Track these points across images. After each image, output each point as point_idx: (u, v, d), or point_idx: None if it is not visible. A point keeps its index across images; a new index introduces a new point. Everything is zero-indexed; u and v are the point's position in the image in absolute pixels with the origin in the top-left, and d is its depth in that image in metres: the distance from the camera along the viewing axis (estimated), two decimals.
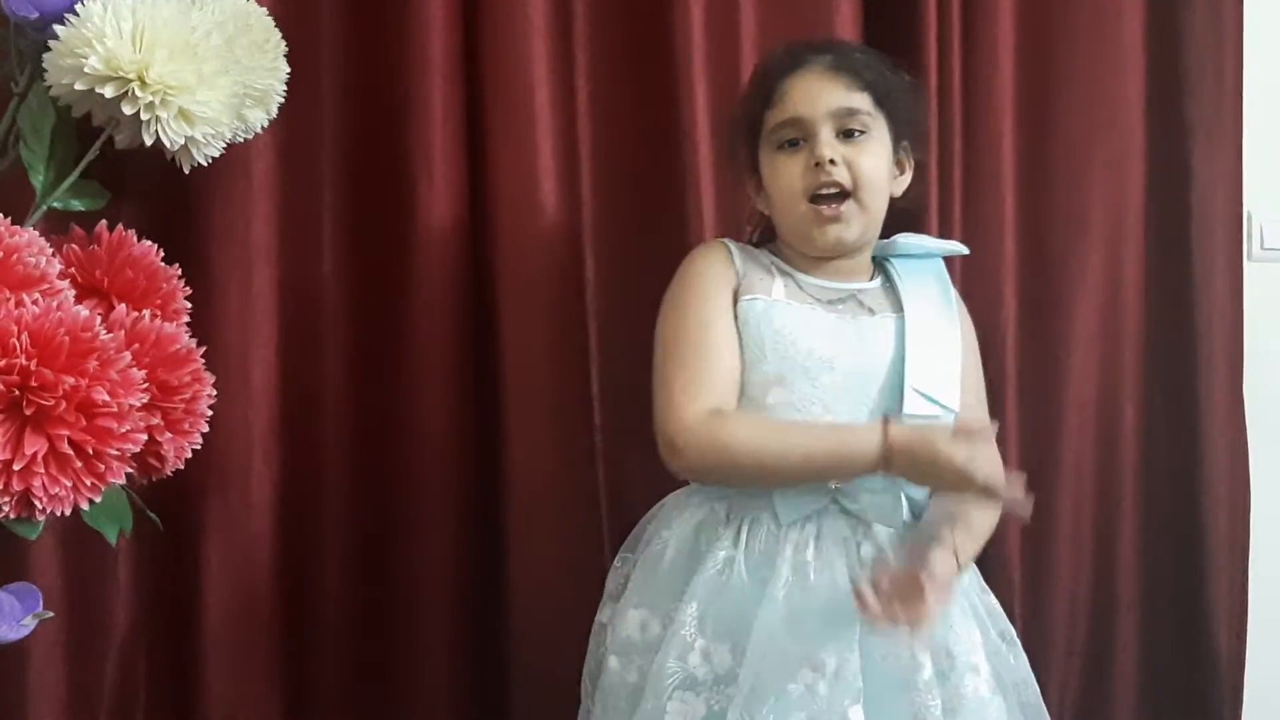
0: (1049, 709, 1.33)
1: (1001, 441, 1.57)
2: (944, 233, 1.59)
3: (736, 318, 1.28)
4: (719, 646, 1.20)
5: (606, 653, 1.29)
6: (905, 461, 1.18)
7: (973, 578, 1.34)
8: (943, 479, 1.19)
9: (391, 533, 1.46)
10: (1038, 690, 1.32)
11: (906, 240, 1.38)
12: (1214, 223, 1.69)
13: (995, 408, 1.45)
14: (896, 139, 1.33)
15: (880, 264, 1.38)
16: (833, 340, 1.28)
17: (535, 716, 1.47)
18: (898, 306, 1.33)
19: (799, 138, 1.30)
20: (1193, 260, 1.69)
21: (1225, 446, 1.71)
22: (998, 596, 1.37)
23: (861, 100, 1.30)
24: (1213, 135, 1.69)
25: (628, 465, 1.46)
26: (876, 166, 1.30)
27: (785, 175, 1.30)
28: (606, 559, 1.39)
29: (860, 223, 1.30)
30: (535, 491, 1.47)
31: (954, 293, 1.37)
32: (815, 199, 1.29)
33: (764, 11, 1.55)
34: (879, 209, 1.32)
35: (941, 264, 1.39)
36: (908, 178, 1.36)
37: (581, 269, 1.50)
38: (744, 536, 1.25)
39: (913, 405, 1.28)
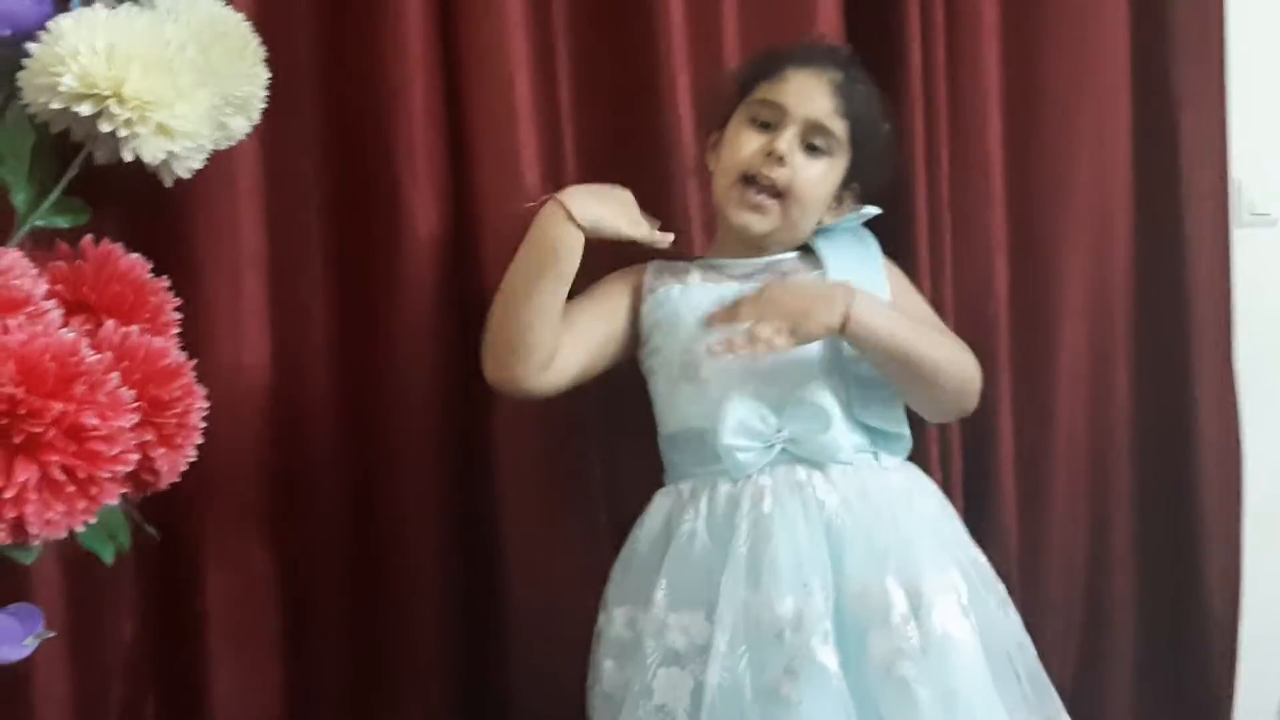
0: (1048, 674, 1.35)
1: (995, 415, 1.60)
2: (932, 208, 1.59)
3: (641, 313, 1.36)
4: (694, 616, 1.23)
5: (601, 657, 1.30)
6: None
7: (957, 532, 1.36)
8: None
9: (388, 535, 1.47)
10: (1035, 654, 1.34)
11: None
12: (1202, 190, 1.68)
13: (989, 381, 1.45)
14: (850, 177, 1.37)
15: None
16: None
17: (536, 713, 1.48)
18: (817, 265, 1.37)
19: (771, 122, 1.33)
20: (1182, 228, 1.69)
21: (1216, 412, 1.71)
22: (997, 562, 1.38)
23: (840, 127, 1.34)
24: (1199, 103, 1.67)
25: (622, 462, 1.47)
26: (817, 186, 1.35)
27: (739, 146, 1.35)
28: (604, 558, 1.40)
29: (777, 223, 1.35)
30: (530, 490, 1.47)
31: (874, 244, 1.42)
32: (747, 180, 1.32)
33: None
34: (802, 223, 1.37)
35: (860, 226, 1.42)
36: (841, 213, 1.40)
37: None
38: (703, 505, 1.28)
39: (851, 352, 1.32)
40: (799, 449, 1.28)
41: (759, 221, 1.34)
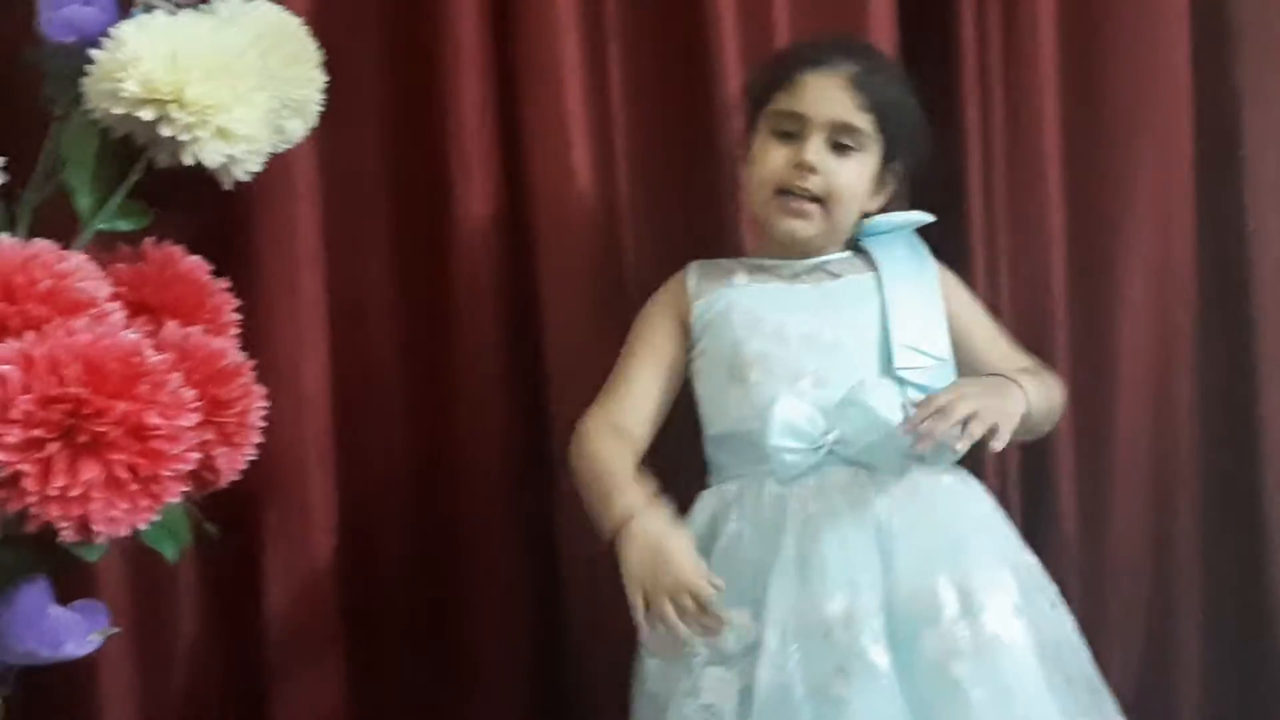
0: (1109, 680, 1.33)
1: None
2: (988, 204, 1.57)
3: (690, 323, 1.35)
4: (740, 615, 1.21)
5: (645, 656, 1.30)
6: (623, 547, 1.20)
7: (1008, 535, 1.34)
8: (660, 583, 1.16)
9: (450, 533, 1.48)
10: (1089, 656, 1.31)
11: (873, 221, 1.39)
12: (1266, 184, 1.65)
13: None
14: (887, 159, 1.35)
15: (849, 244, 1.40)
16: (803, 310, 1.32)
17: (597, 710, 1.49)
18: (869, 266, 1.36)
19: (793, 131, 1.32)
20: (1246, 222, 1.66)
21: None
22: (1056, 572, 1.36)
23: (864, 121, 1.32)
24: (1262, 96, 1.63)
25: (671, 455, 1.47)
26: (854, 184, 1.33)
27: (768, 160, 1.33)
28: None
29: (822, 226, 1.33)
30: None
31: (927, 253, 1.39)
32: (783, 192, 1.31)
33: None
34: (845, 220, 1.35)
35: (911, 233, 1.40)
36: (885, 195, 1.38)
37: (620, 259, 1.50)
38: (748, 506, 1.27)
39: (903, 359, 1.31)
40: (848, 451, 1.26)
41: (804, 227, 1.33)
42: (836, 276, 1.36)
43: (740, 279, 1.36)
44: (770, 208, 1.33)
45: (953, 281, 1.42)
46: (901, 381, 1.30)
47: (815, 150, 1.31)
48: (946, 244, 1.44)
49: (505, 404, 1.47)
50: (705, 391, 1.36)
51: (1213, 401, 1.68)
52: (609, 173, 1.49)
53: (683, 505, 1.37)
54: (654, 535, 1.18)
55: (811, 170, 1.30)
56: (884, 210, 1.39)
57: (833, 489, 1.26)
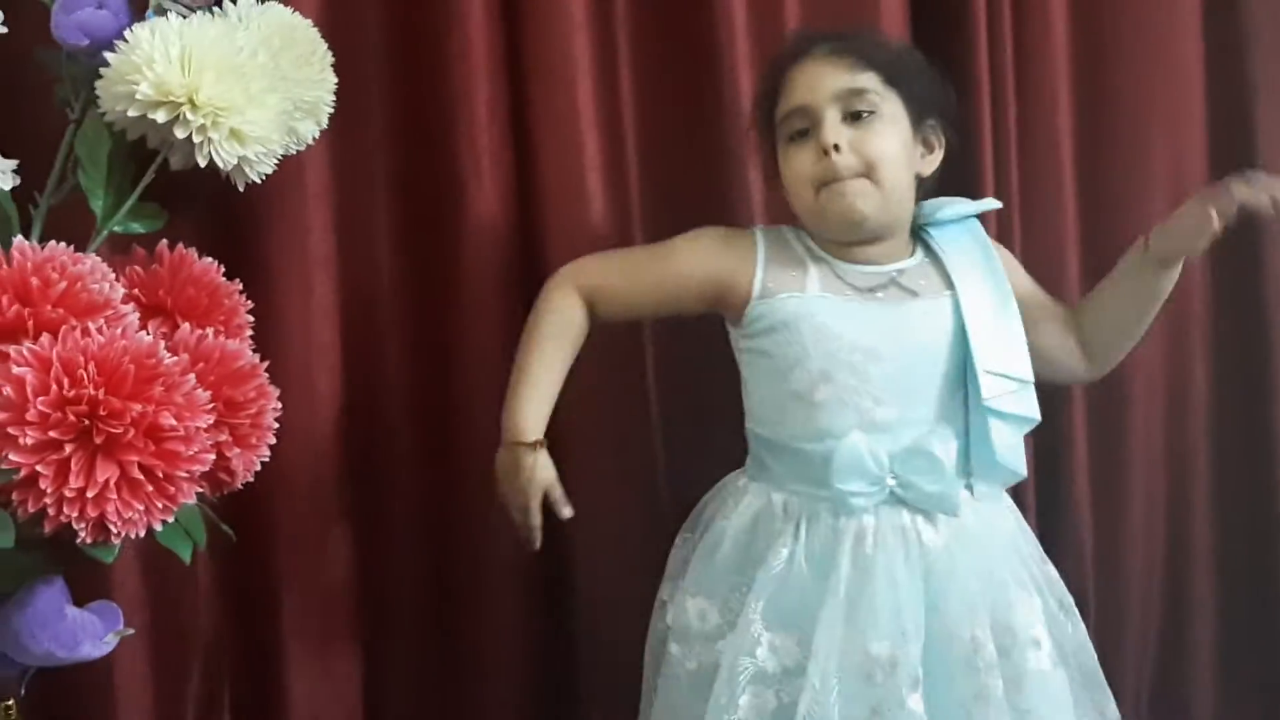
0: (1125, 683, 1.33)
1: (1068, 419, 1.58)
2: (1001, 198, 1.57)
3: (748, 306, 1.29)
4: (785, 639, 1.22)
5: (668, 637, 1.31)
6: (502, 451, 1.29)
7: (1033, 548, 1.34)
8: None
9: (459, 527, 1.48)
10: (1094, 655, 1.32)
11: (936, 205, 1.35)
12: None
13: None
14: (918, 117, 1.30)
15: (916, 236, 1.35)
16: (875, 331, 1.27)
17: (603, 700, 1.49)
18: (945, 283, 1.31)
19: (806, 126, 1.28)
20: (1260, 221, 1.65)
21: None
22: (1070, 567, 1.36)
23: (868, 79, 1.27)
24: (1275, 89, 1.64)
25: (686, 452, 1.48)
26: (888, 146, 1.27)
27: (795, 165, 1.29)
28: (668, 542, 1.40)
29: (876, 198, 1.26)
30: (595, 479, 1.47)
31: (991, 245, 1.36)
32: (823, 185, 1.26)
33: None
34: (899, 186, 1.28)
35: (976, 223, 1.37)
36: (938, 156, 1.33)
37: None
38: (803, 531, 1.25)
39: (990, 388, 1.27)
40: (906, 494, 1.25)
41: (861, 201, 1.26)
42: (913, 294, 1.30)
43: (813, 286, 1.29)
44: (818, 204, 1.27)
45: (1007, 255, 1.40)
46: (988, 411, 1.27)
47: (832, 129, 1.25)
48: None
49: None
50: (760, 391, 1.32)
51: (1227, 393, 1.68)
52: (620, 172, 1.49)
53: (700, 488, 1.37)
54: (525, 462, 1.26)
55: (836, 150, 1.25)
56: (939, 181, 1.35)
57: (888, 529, 1.24)
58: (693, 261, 1.32)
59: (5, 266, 1.03)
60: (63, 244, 1.08)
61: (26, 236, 1.11)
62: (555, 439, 1.45)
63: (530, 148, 1.47)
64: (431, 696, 1.49)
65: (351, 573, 1.46)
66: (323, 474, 1.43)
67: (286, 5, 1.25)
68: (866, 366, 1.26)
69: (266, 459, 1.21)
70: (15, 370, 0.98)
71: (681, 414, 1.50)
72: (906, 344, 1.27)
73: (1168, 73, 1.63)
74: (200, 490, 1.11)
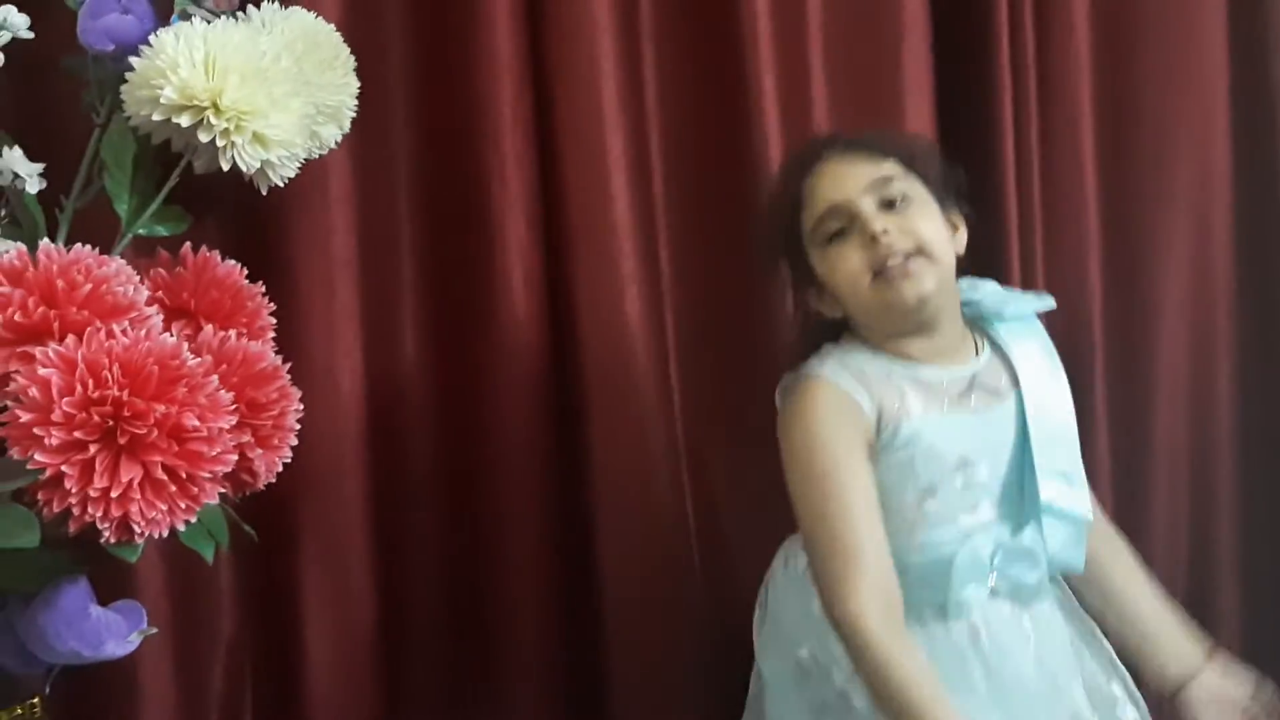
0: (1147, 690, 1.33)
1: (1091, 421, 1.56)
2: (1023, 207, 1.57)
3: (879, 439, 1.24)
4: None
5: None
6: None
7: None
8: None
9: (484, 533, 1.48)
10: None
11: (995, 299, 1.34)
12: None
13: (1084, 382, 1.43)
14: (940, 198, 1.29)
15: (974, 326, 1.34)
16: (973, 440, 1.27)
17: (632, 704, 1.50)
18: (1012, 380, 1.30)
19: (842, 225, 1.25)
20: None
21: None
22: None
23: (890, 167, 1.26)
24: None
25: (710, 460, 1.48)
26: (930, 227, 1.25)
27: (844, 263, 1.25)
28: (694, 557, 1.42)
29: (934, 274, 1.24)
30: (621, 488, 1.48)
31: (1045, 334, 1.35)
32: (879, 273, 1.23)
33: None
34: (948, 264, 1.26)
35: (1036, 319, 1.35)
36: (964, 235, 1.32)
37: (656, 263, 1.50)
38: (917, 636, 1.22)
39: (1050, 492, 1.27)
40: (1004, 587, 1.26)
41: (922, 280, 1.23)
42: (997, 396, 1.29)
43: (914, 404, 1.25)
44: (877, 293, 1.23)
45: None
46: (1046, 510, 1.27)
47: (875, 217, 1.23)
48: (983, 249, 1.42)
49: (541, 403, 1.47)
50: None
51: (1251, 403, 1.67)
52: (644, 174, 1.49)
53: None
54: None
55: (885, 234, 1.22)
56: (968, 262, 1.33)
57: (995, 625, 1.26)
58: (855, 461, 1.23)
59: (31, 269, 1.03)
60: (88, 247, 1.08)
61: (53, 239, 1.12)
62: (585, 448, 1.46)
63: (554, 150, 1.47)
64: (451, 702, 1.49)
65: (373, 576, 1.46)
66: (345, 474, 1.44)
67: (310, 10, 1.26)
68: (966, 476, 1.26)
69: (289, 460, 1.21)
70: (41, 371, 0.99)
71: (705, 425, 1.51)
72: (990, 447, 1.28)
73: (1191, 82, 1.62)
74: (223, 491, 1.11)
